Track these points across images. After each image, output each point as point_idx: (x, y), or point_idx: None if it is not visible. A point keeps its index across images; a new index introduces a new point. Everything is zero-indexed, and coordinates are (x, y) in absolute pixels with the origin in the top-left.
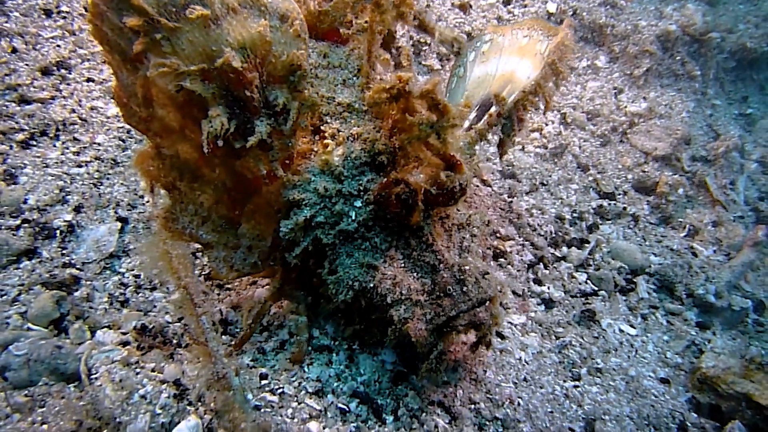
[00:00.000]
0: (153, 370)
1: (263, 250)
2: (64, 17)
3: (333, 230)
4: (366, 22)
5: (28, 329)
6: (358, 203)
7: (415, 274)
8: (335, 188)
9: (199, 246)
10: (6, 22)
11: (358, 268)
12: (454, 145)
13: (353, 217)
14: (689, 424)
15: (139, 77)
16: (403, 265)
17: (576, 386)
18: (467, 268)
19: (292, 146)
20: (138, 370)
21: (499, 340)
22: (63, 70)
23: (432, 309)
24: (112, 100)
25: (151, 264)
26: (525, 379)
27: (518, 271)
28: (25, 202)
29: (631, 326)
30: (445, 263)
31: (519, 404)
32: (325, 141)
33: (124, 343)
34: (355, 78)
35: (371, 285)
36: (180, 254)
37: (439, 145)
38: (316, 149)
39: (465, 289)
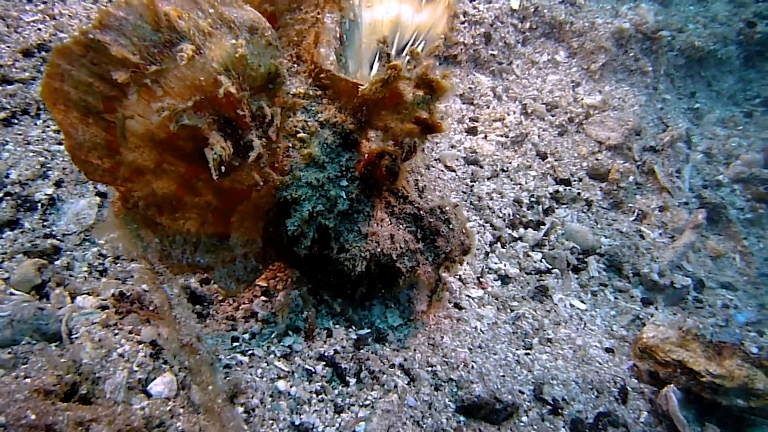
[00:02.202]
0: (131, 332)
1: (257, 251)
2: (45, 2)
3: (332, 214)
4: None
5: (11, 294)
6: (344, 182)
7: (402, 226)
8: (324, 176)
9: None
10: None
11: (363, 238)
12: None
13: (344, 196)
14: (630, 389)
15: (105, 127)
16: (391, 222)
17: (527, 354)
18: (446, 207)
19: (278, 149)
20: (116, 331)
21: (456, 310)
22: (44, 52)
23: (431, 251)
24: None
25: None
26: (479, 346)
27: (477, 249)
28: (7, 177)
29: (582, 302)
30: (424, 209)
31: (473, 368)
32: (299, 135)
33: (103, 308)
34: (296, 65)
35: (379, 249)
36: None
37: (427, 116)
38: (290, 144)
39: (450, 225)
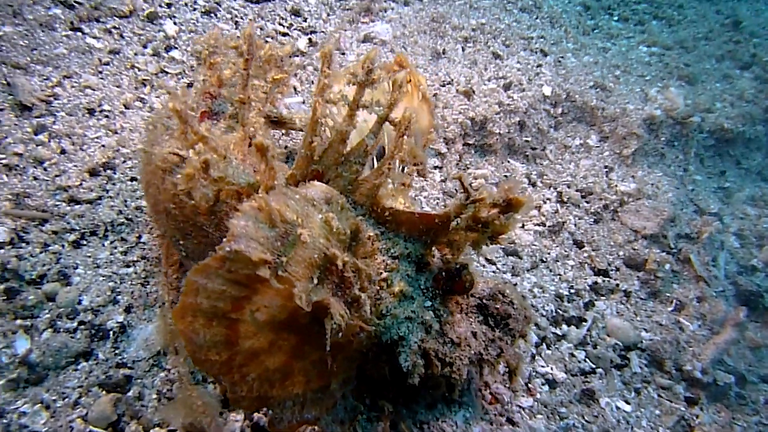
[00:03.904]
0: None
1: (353, 390)
2: (107, 116)
3: (430, 335)
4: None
5: None
6: (428, 303)
7: (473, 319)
8: (416, 306)
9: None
10: (54, 122)
11: (457, 346)
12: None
13: (434, 315)
14: None
15: (226, 326)
16: (463, 319)
17: None
18: (506, 290)
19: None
20: None
21: (510, 427)
22: (109, 171)
23: (508, 334)
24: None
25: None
26: None
27: (524, 352)
28: (79, 303)
29: (626, 402)
30: (485, 297)
31: None
32: (383, 276)
33: None
34: (354, 209)
35: (472, 351)
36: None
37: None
38: (378, 287)
39: (515, 305)
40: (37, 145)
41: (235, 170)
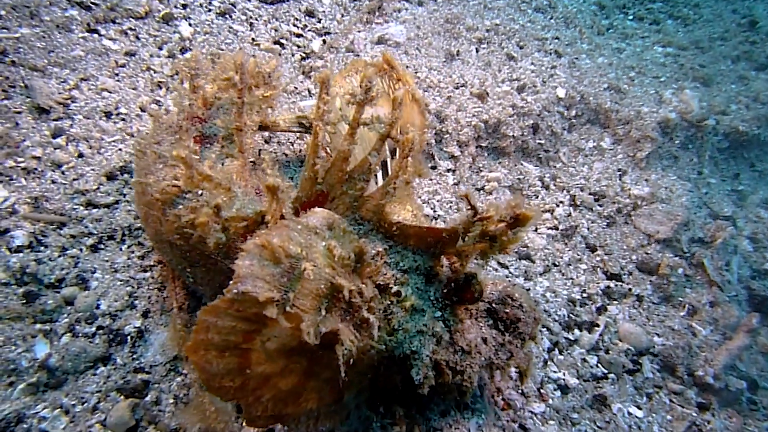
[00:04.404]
0: None
1: (367, 397)
2: (123, 119)
3: (440, 346)
4: None
5: None
6: (438, 314)
7: (482, 323)
8: (426, 319)
9: None
10: (72, 126)
11: (467, 354)
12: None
13: (444, 326)
14: None
15: (239, 355)
16: (473, 324)
17: None
18: (515, 294)
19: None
20: None
21: None
22: (126, 175)
23: (517, 337)
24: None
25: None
26: None
27: (536, 358)
28: (97, 308)
29: (638, 407)
30: (494, 301)
31: None
32: (394, 290)
33: None
34: (361, 227)
35: (483, 358)
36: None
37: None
38: (388, 302)
39: (524, 309)
40: (55, 149)
41: (242, 203)
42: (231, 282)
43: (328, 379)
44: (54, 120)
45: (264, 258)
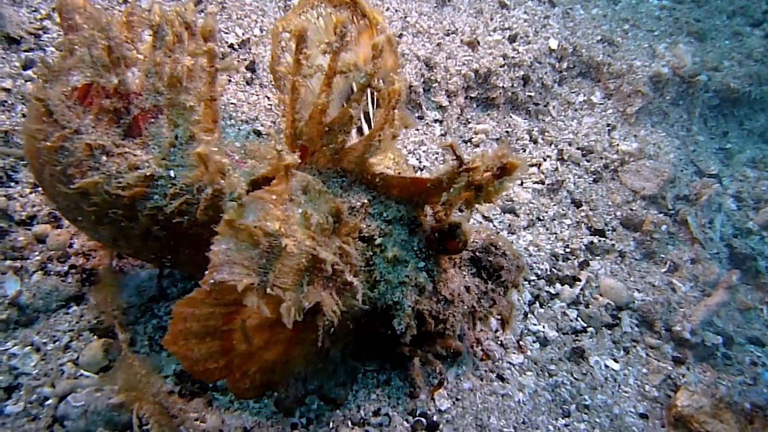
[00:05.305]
0: (196, 419)
1: (353, 351)
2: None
3: (423, 296)
4: None
5: (81, 376)
6: (422, 264)
7: (466, 272)
8: (409, 269)
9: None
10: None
11: (450, 303)
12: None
13: (427, 276)
14: None
15: (219, 337)
16: (456, 273)
17: (566, 425)
18: (499, 242)
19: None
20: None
21: (500, 383)
22: None
23: (500, 285)
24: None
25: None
26: (524, 422)
27: (517, 310)
28: (70, 246)
29: (615, 360)
30: (478, 250)
31: None
32: (377, 242)
33: (170, 392)
34: (344, 178)
35: (465, 307)
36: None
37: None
38: (371, 253)
39: (507, 256)
40: (26, 81)
41: (237, 179)
42: (206, 271)
43: (314, 340)
44: (25, 51)
45: (240, 240)
